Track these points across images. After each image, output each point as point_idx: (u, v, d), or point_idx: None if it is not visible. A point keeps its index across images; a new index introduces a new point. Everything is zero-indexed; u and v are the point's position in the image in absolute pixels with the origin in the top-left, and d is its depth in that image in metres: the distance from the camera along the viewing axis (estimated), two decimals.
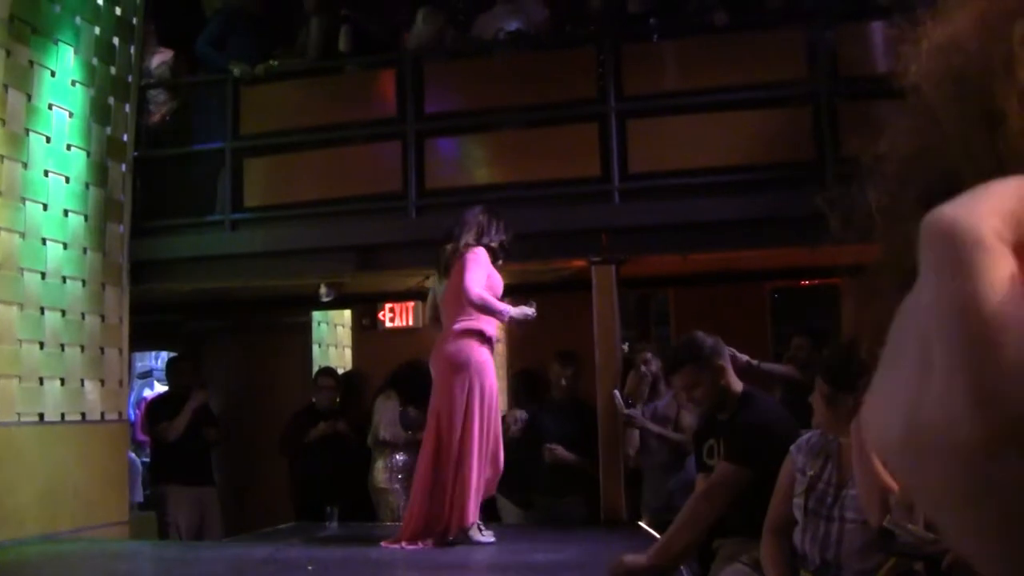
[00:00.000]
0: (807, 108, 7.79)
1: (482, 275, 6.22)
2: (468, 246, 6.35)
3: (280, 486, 9.51)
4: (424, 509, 6.30)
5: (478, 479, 6.19)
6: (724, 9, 7.95)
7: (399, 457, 8.49)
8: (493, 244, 6.45)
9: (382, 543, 6.37)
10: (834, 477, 4.24)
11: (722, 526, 4.98)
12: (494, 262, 6.46)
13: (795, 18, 7.99)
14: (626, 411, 7.57)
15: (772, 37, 8.01)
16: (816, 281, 10.11)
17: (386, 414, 8.53)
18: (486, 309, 6.18)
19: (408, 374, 8.82)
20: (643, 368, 7.86)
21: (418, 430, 8.64)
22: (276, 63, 8.86)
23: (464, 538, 6.20)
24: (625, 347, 10.20)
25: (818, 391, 4.29)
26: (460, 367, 6.24)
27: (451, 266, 6.42)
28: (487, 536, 6.28)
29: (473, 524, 6.21)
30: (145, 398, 11.49)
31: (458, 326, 6.31)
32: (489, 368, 6.32)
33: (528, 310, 6.27)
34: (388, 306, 10.39)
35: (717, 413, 5.25)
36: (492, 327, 6.40)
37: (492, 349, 6.44)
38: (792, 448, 4.51)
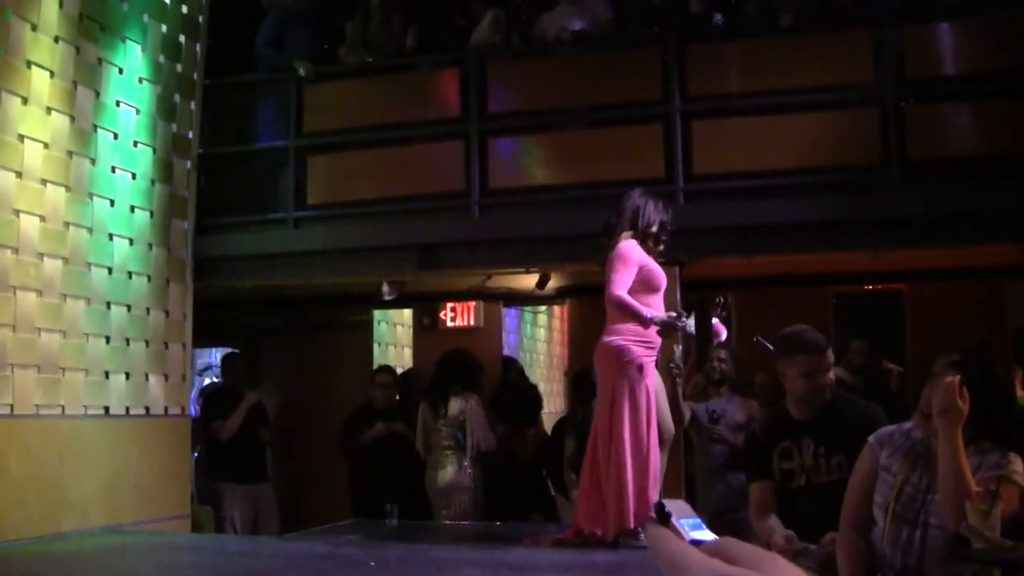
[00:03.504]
0: (873, 111, 7.70)
1: (628, 273, 5.89)
2: (619, 239, 6.05)
3: (338, 484, 9.55)
4: (583, 509, 6.07)
5: (635, 481, 5.81)
6: (790, 10, 7.89)
7: (451, 459, 8.48)
8: (652, 229, 6.11)
9: (526, 540, 6.23)
10: (924, 481, 4.14)
11: (801, 529, 4.91)
12: (653, 248, 6.16)
13: (861, 20, 7.90)
14: (717, 428, 7.62)
15: (838, 39, 7.93)
16: (879, 286, 10.03)
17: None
18: (625, 310, 5.84)
19: (466, 370, 8.80)
20: (714, 364, 7.84)
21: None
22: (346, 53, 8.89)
23: (627, 541, 5.84)
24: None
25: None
26: (608, 364, 5.96)
27: (605, 262, 6.06)
28: (641, 542, 5.83)
29: (636, 528, 5.83)
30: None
31: (612, 324, 5.99)
32: (638, 366, 5.88)
33: (677, 319, 5.90)
34: (449, 305, 10.38)
35: (798, 414, 5.19)
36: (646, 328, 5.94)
37: (650, 348, 5.96)
38: (872, 440, 4.41)
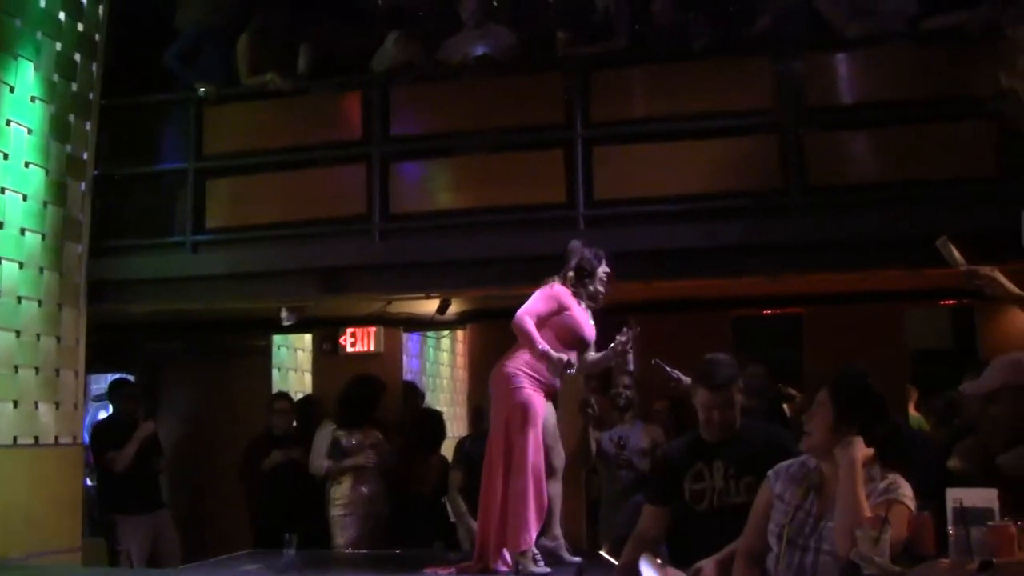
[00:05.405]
0: (773, 137, 7.77)
1: (543, 306, 6.01)
2: (551, 281, 6.18)
3: (239, 512, 9.41)
4: (483, 534, 6.11)
5: (535, 505, 5.89)
6: (701, 37, 7.93)
7: (343, 487, 8.41)
8: (590, 280, 6.24)
9: (427, 568, 6.24)
10: (815, 508, 4.21)
11: (707, 550, 4.92)
12: (588, 300, 6.26)
13: (763, 48, 7.98)
14: (624, 454, 7.63)
15: (740, 66, 7.98)
16: (778, 310, 10.10)
17: (317, 445, 8.57)
18: (522, 332, 5.90)
19: (346, 398, 8.76)
20: (620, 390, 7.84)
21: (353, 456, 8.52)
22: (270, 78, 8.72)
23: (525, 566, 5.85)
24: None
25: (822, 412, 4.23)
26: (499, 388, 6.06)
27: None
28: (540, 567, 5.92)
29: (527, 551, 5.89)
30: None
31: (513, 351, 6.11)
32: (525, 395, 5.97)
33: (567, 367, 5.99)
34: (350, 331, 10.31)
35: (708, 436, 5.22)
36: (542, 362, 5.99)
37: (539, 382, 6.04)
38: (770, 473, 4.49)
